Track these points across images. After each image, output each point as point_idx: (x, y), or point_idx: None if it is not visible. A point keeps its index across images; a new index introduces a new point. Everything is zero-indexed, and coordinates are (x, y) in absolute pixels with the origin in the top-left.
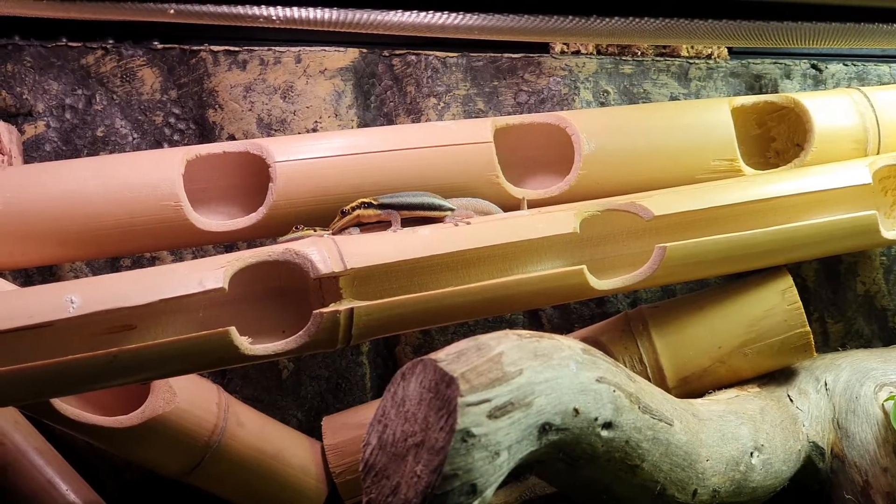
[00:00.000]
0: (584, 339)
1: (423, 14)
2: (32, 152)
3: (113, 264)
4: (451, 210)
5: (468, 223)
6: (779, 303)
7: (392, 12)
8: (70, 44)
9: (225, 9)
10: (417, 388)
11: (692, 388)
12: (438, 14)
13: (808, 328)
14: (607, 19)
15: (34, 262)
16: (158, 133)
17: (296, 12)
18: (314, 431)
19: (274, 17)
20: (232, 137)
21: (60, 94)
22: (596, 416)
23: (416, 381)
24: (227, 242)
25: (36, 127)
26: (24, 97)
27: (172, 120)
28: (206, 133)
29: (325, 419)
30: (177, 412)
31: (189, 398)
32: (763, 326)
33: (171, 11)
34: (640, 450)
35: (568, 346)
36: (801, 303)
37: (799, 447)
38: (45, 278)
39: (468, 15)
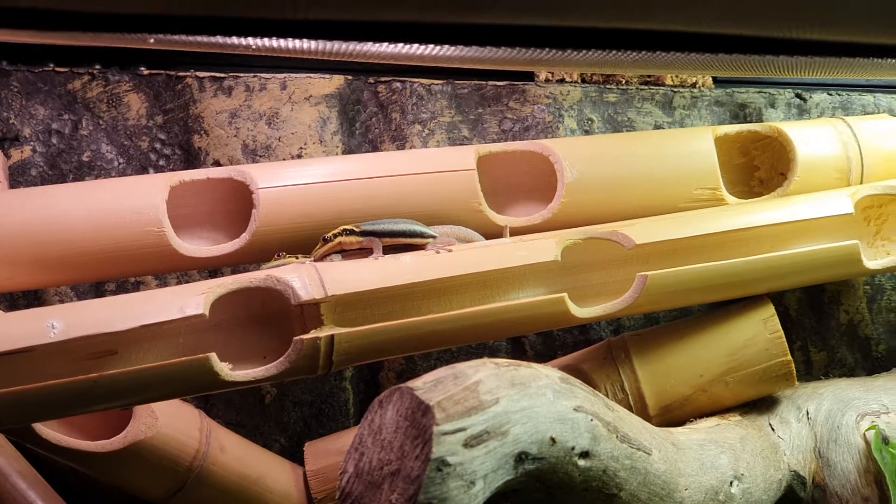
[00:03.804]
0: (567, 367)
1: (406, 46)
2: (18, 177)
3: (97, 289)
4: (433, 237)
5: (449, 251)
6: (760, 331)
7: (376, 44)
8: (57, 69)
9: (204, 38)
10: (394, 416)
11: (674, 416)
12: (422, 46)
13: (789, 357)
14: (592, 52)
15: (18, 287)
16: (144, 158)
17: (275, 42)
18: (297, 457)
19: (254, 47)
20: (217, 163)
21: (47, 118)
22: (573, 446)
23: (392, 409)
24: (210, 268)
25: (22, 152)
26: (11, 122)
27: (158, 145)
28: (191, 158)
29: (307, 445)
30: (159, 437)
31: (171, 423)
32: (744, 355)
33: (151, 41)
34: (618, 479)
35: (545, 375)
36: (782, 332)
37: (780, 476)
38: (31, 302)
39: (452, 47)
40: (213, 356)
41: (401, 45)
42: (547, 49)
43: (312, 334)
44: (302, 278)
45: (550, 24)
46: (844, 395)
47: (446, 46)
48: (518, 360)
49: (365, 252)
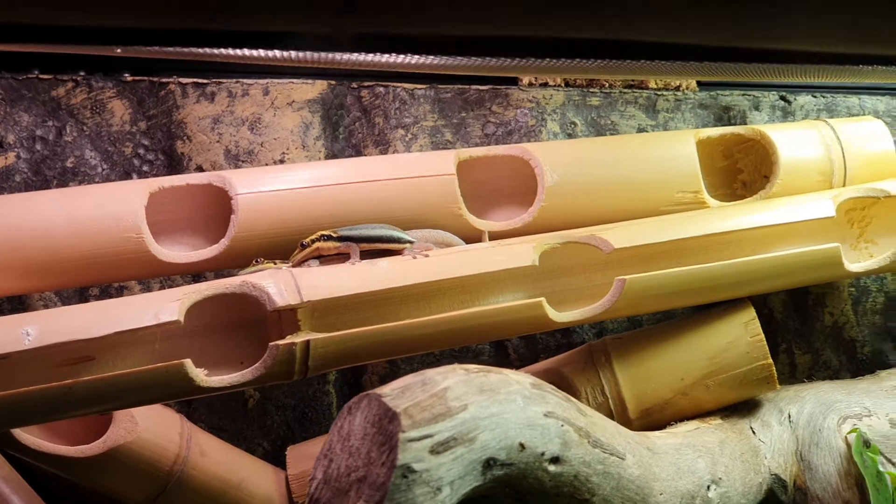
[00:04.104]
0: (548, 370)
1: (390, 56)
2: (2, 183)
3: (81, 294)
4: (411, 242)
5: (426, 256)
6: (741, 335)
7: (358, 55)
8: (41, 76)
9: (184, 49)
10: (362, 422)
11: (654, 419)
12: (406, 56)
13: (770, 360)
14: (574, 60)
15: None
16: (128, 164)
17: (257, 53)
18: (280, 461)
19: (219, 54)
20: (200, 168)
21: (31, 125)
22: (543, 451)
23: (361, 416)
24: (190, 273)
25: (6, 158)
26: None
27: (142, 151)
28: (174, 164)
29: (289, 449)
30: (139, 442)
31: (151, 428)
32: (725, 359)
33: (118, 51)
34: (590, 484)
35: (516, 381)
36: (763, 335)
37: (760, 480)
38: (16, 307)
39: (436, 57)
40: (188, 362)
41: (385, 55)
42: (528, 59)
43: (288, 340)
44: (278, 284)
45: (532, 35)
46: (826, 398)
47: (429, 56)
48: (489, 366)
49: (343, 257)
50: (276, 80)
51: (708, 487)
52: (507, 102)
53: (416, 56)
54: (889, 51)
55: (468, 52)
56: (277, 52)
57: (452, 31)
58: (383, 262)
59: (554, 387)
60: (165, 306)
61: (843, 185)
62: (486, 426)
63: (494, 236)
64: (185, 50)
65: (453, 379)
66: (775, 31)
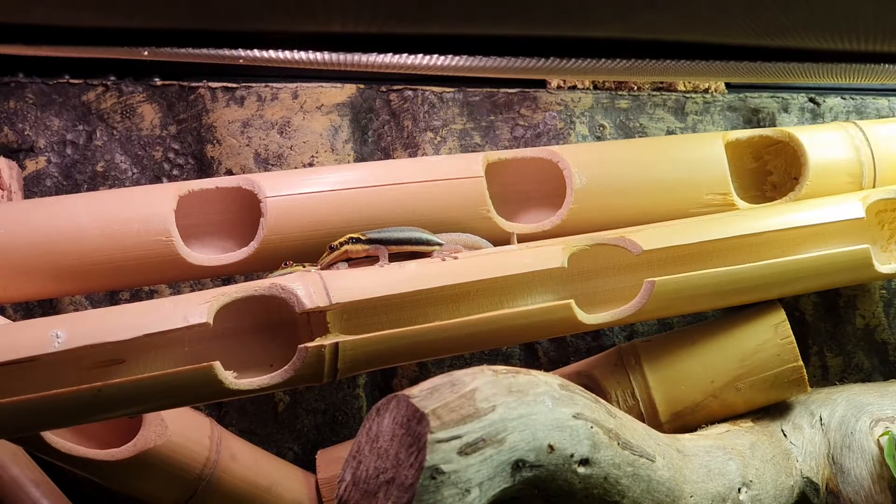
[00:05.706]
0: (578, 373)
1: (419, 57)
2: (33, 187)
3: (112, 297)
4: (440, 245)
5: (455, 258)
6: (771, 337)
7: (387, 55)
8: (72, 81)
9: (195, 51)
10: (390, 424)
11: (685, 422)
12: (435, 57)
13: (800, 363)
14: (607, 61)
15: (29, 297)
16: (158, 168)
17: (287, 54)
18: (311, 465)
19: (242, 57)
20: (230, 172)
21: (61, 129)
22: (572, 453)
23: (389, 417)
24: (219, 276)
25: (37, 162)
26: (26, 133)
27: (172, 155)
28: (204, 168)
29: (319, 452)
30: (169, 445)
31: (181, 431)
32: (755, 361)
33: (146, 53)
34: (620, 486)
35: (544, 382)
36: (793, 337)
37: (792, 483)
38: (46, 311)
39: (465, 57)
40: (217, 364)
41: (415, 56)
42: (558, 59)
43: (317, 342)
44: (306, 286)
45: (561, 35)
46: (858, 401)
47: (457, 57)
48: (517, 368)
49: (371, 260)
50: (305, 84)
51: (739, 490)
52: (535, 105)
53: (445, 57)
54: None
55: (496, 52)
56: (305, 55)
57: (480, 32)
58: (412, 265)
59: (583, 388)
60: (194, 309)
61: (873, 187)
62: (514, 427)
63: (523, 238)
64: (213, 52)
65: (482, 380)
66: (803, 30)
